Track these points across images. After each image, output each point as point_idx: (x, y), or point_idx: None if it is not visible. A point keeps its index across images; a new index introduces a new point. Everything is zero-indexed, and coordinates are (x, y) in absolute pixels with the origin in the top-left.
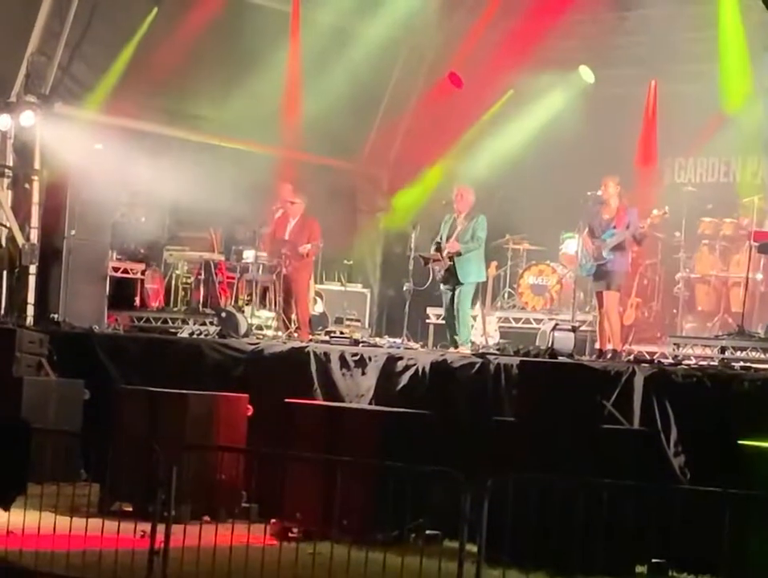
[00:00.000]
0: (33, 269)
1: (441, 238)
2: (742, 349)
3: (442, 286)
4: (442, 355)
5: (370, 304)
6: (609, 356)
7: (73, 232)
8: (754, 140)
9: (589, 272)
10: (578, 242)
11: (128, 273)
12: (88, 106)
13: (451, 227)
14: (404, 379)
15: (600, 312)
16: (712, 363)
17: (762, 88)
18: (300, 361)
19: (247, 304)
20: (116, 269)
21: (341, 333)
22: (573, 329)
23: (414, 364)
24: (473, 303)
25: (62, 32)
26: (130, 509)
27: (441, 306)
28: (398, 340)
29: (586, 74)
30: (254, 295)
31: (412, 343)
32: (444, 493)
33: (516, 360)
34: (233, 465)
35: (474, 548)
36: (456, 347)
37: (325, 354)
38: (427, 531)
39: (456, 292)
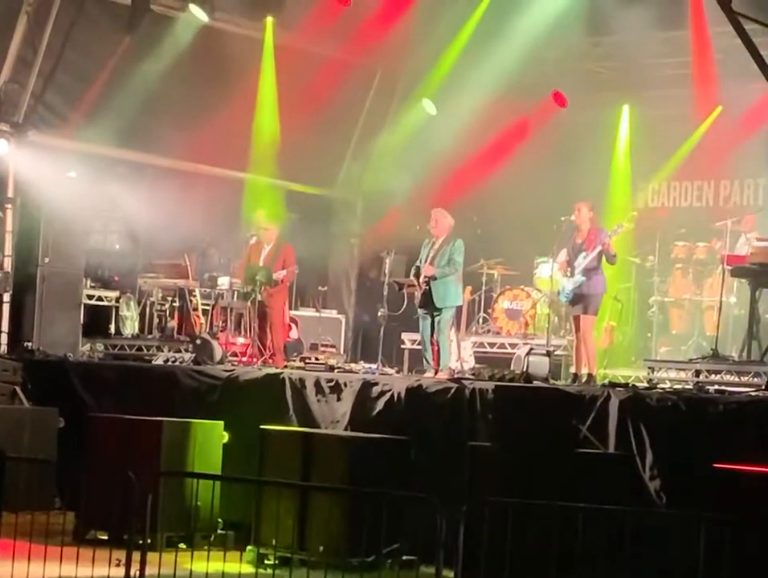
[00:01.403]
0: (6, 297)
1: (420, 262)
2: (717, 373)
3: (419, 310)
4: (417, 380)
5: (345, 330)
6: (584, 380)
7: (47, 260)
8: (727, 164)
9: (568, 297)
10: (553, 267)
11: (102, 300)
12: (62, 134)
13: (430, 251)
14: (379, 404)
15: (577, 336)
16: (686, 386)
17: (734, 113)
18: (276, 388)
19: (221, 331)
20: (90, 297)
21: (316, 359)
22: (548, 353)
23: (390, 390)
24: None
25: (35, 61)
26: (105, 537)
27: (416, 331)
28: (374, 366)
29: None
30: (228, 321)
31: (387, 369)
32: (420, 518)
33: (491, 385)
34: (209, 492)
35: (450, 573)
36: (435, 373)
37: (300, 380)
38: (403, 556)
39: (436, 320)
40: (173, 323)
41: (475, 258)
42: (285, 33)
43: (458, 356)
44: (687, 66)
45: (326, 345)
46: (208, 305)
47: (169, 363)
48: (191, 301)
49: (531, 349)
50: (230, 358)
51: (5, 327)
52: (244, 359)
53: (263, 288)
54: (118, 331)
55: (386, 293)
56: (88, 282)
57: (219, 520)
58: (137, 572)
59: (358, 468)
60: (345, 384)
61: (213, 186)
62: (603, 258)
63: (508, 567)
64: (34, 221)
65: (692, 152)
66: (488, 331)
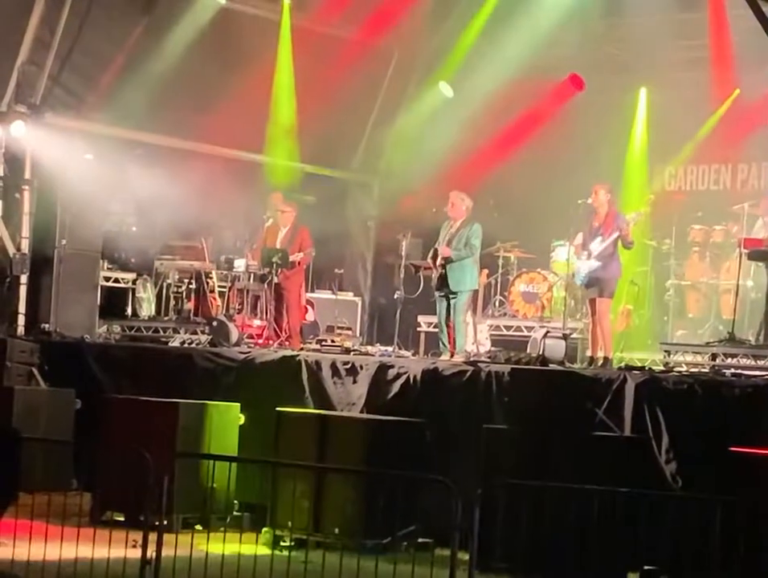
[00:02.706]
0: (24, 279)
1: (439, 244)
2: (733, 356)
3: (436, 293)
4: (433, 363)
5: (361, 312)
6: (600, 363)
7: (64, 242)
8: (744, 147)
9: (583, 281)
10: (569, 250)
11: (119, 282)
12: (79, 116)
13: (447, 234)
14: (395, 387)
15: (593, 319)
16: (703, 370)
17: (752, 96)
18: (292, 370)
19: (238, 313)
20: (107, 278)
21: (333, 341)
22: (565, 336)
23: (406, 372)
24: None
25: (52, 42)
26: (122, 518)
27: (432, 314)
28: (390, 348)
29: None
30: (245, 303)
31: (403, 352)
32: (436, 500)
33: (507, 368)
34: (224, 473)
35: (466, 556)
36: (451, 356)
37: (317, 362)
38: (419, 539)
39: (452, 303)
40: (189, 305)
41: (492, 241)
42: (302, 14)
43: (474, 338)
44: (704, 48)
45: (342, 327)
46: (224, 287)
47: (186, 345)
48: (208, 283)
49: (547, 332)
50: (246, 340)
51: (22, 308)
52: (260, 341)
53: (279, 270)
54: (135, 313)
55: (402, 275)
56: (105, 263)
57: (235, 502)
58: (153, 554)
59: (374, 450)
60: (361, 367)
61: (229, 168)
62: (620, 244)
63: (524, 549)
64: (51, 202)
65: (710, 135)
66: (505, 314)
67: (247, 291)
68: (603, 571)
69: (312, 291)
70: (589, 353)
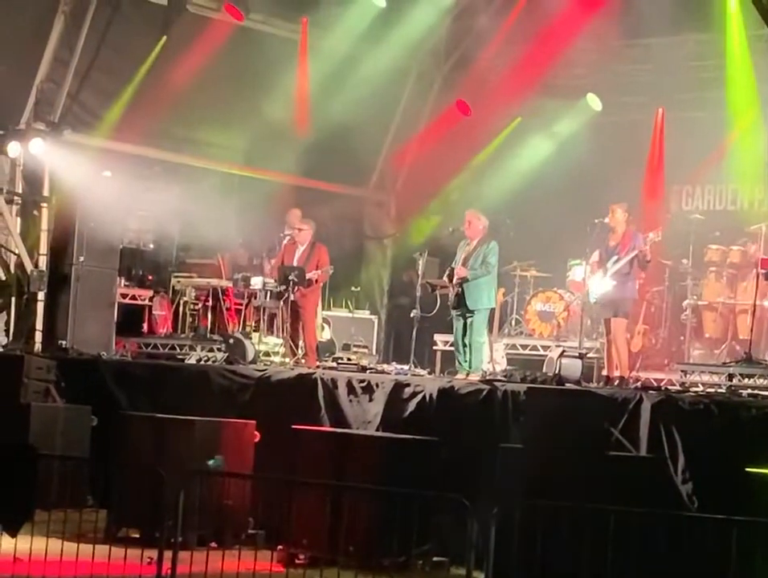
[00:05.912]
0: (41, 295)
1: (455, 263)
2: (750, 376)
3: (453, 312)
4: (449, 381)
5: (378, 331)
6: (616, 382)
7: (81, 258)
8: (761, 167)
9: (597, 299)
10: (586, 270)
11: (135, 299)
12: (97, 133)
13: (464, 252)
14: (411, 405)
15: (608, 339)
16: (719, 390)
17: None
18: (308, 387)
19: (254, 330)
20: (124, 295)
21: (349, 359)
22: (581, 356)
23: (422, 391)
24: None
25: (71, 60)
26: (137, 535)
27: (448, 332)
28: (406, 367)
29: (594, 102)
30: (261, 321)
31: (419, 370)
32: (451, 519)
33: (523, 387)
34: (240, 491)
35: (481, 575)
36: (467, 375)
37: (333, 380)
38: (434, 558)
39: (469, 322)
40: (206, 322)
41: (509, 260)
42: (321, 33)
43: (490, 357)
44: (722, 68)
45: (358, 346)
46: (241, 305)
47: (202, 362)
48: (224, 300)
49: (563, 351)
50: (262, 358)
51: (39, 325)
52: (276, 359)
53: (296, 288)
54: (151, 330)
55: (418, 294)
56: (122, 280)
57: (250, 519)
58: (169, 571)
59: (390, 468)
60: (377, 385)
61: (247, 186)
62: (635, 263)
63: (540, 569)
64: (69, 220)
65: (727, 155)
66: (521, 333)
67: (264, 309)
68: None
69: (329, 308)
70: (605, 373)
